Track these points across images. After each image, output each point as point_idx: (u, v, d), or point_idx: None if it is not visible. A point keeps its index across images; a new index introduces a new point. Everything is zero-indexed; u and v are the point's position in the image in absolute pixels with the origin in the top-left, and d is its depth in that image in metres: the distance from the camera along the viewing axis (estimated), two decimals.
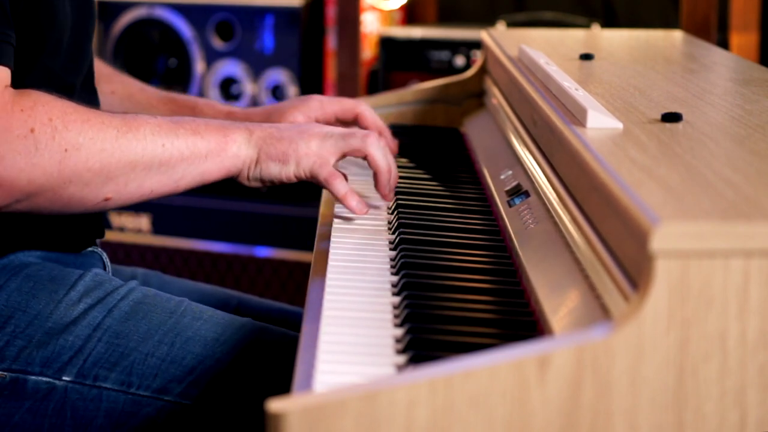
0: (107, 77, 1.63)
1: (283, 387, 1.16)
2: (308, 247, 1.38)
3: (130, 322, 1.28)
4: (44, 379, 1.25)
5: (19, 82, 1.23)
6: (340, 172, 1.33)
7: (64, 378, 1.25)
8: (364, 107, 1.58)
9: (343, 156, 1.34)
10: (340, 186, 1.32)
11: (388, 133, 1.60)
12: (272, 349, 1.30)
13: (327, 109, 1.56)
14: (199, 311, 1.32)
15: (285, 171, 1.31)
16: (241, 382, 1.27)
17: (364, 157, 1.34)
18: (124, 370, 1.26)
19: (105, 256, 1.45)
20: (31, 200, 1.19)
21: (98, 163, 1.20)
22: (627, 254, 0.92)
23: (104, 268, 1.44)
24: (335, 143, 1.32)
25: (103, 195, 1.22)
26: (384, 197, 1.37)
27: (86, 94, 1.42)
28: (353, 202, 1.33)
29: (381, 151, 1.34)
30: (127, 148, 1.22)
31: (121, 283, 1.33)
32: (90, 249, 1.43)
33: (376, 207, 1.40)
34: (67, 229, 1.38)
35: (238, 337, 1.29)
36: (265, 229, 2.93)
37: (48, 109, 1.18)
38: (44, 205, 1.21)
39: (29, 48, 1.27)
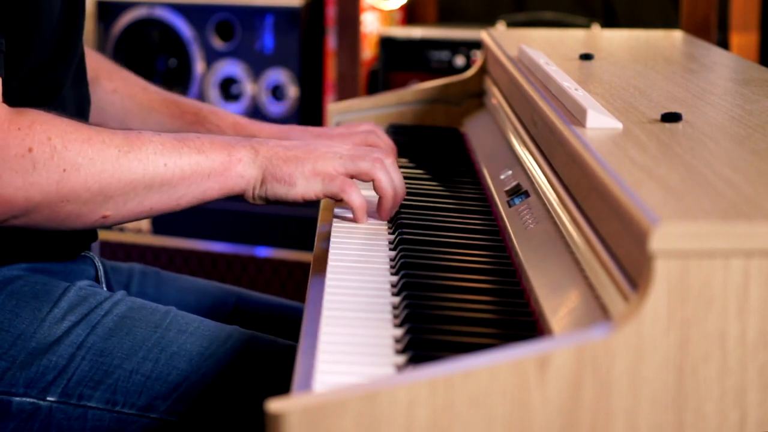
0: (108, 73, 1.60)
1: (273, 396, 1.15)
2: (308, 247, 1.37)
3: (114, 339, 1.26)
4: (28, 399, 1.24)
5: (5, 82, 1.21)
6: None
7: (48, 398, 1.24)
8: (373, 138, 1.54)
9: (351, 177, 1.31)
10: (355, 196, 1.30)
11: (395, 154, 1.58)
12: (261, 358, 1.28)
13: None
14: (185, 323, 1.30)
15: (292, 193, 1.29)
16: (228, 396, 1.25)
17: (372, 180, 1.32)
18: (108, 388, 1.24)
19: (98, 260, 1.43)
20: (28, 217, 1.18)
21: (97, 183, 1.19)
22: (627, 254, 0.92)
23: (96, 273, 1.42)
24: (344, 164, 1.30)
25: (102, 213, 1.21)
26: (382, 219, 1.35)
27: (76, 89, 1.40)
28: (361, 213, 1.31)
29: (388, 176, 1.32)
30: (128, 168, 1.20)
31: (106, 296, 1.31)
32: (83, 254, 1.41)
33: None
34: (59, 238, 1.37)
35: (224, 350, 1.27)
36: (265, 229, 2.93)
37: (47, 128, 1.17)
38: (41, 221, 1.19)
39: (16, 51, 1.25)
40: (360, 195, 1.31)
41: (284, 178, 1.28)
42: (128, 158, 1.20)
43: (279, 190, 1.28)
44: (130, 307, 1.30)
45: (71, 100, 1.36)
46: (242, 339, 1.29)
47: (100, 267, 1.43)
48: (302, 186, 1.28)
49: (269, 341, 1.31)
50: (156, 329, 1.28)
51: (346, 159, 1.31)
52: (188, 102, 1.61)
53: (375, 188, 1.33)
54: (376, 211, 1.35)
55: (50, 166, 1.16)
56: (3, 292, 1.28)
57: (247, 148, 1.28)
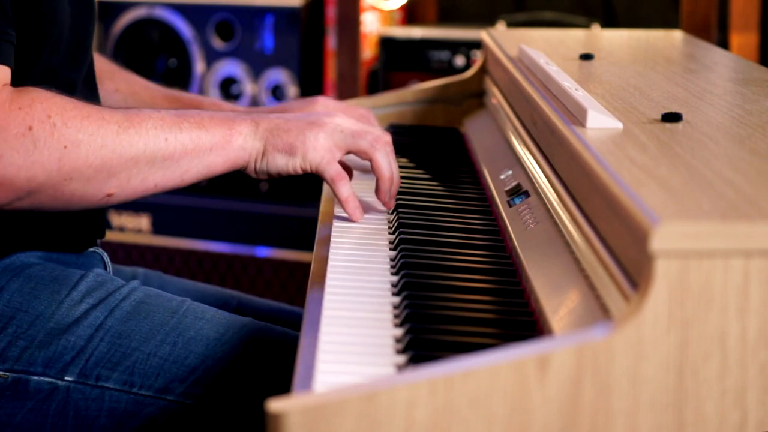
0: (110, 74, 1.62)
1: (285, 386, 1.16)
2: (308, 247, 1.38)
3: (132, 322, 1.28)
4: (46, 379, 1.25)
5: (20, 81, 1.23)
6: (345, 172, 1.33)
7: (66, 378, 1.25)
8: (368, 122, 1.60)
9: (349, 153, 1.33)
10: (344, 189, 1.32)
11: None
12: (274, 348, 1.30)
13: None
14: (201, 311, 1.32)
15: (291, 163, 1.30)
16: (242, 382, 1.27)
17: (369, 160, 1.34)
18: (126, 369, 1.26)
19: (106, 256, 1.45)
20: (33, 197, 1.19)
21: (99, 159, 1.19)
22: (627, 254, 0.92)
23: (105, 269, 1.44)
24: (344, 139, 1.31)
25: (106, 191, 1.22)
26: (384, 204, 1.37)
27: (87, 91, 1.42)
28: (351, 206, 1.33)
29: (386, 158, 1.33)
30: (129, 143, 1.21)
31: (123, 283, 1.33)
32: (91, 249, 1.43)
33: (377, 210, 1.40)
34: (68, 229, 1.38)
35: (239, 337, 1.29)
36: (265, 229, 2.93)
37: (47, 106, 1.18)
38: (46, 202, 1.20)
39: (31, 46, 1.27)
40: (349, 189, 1.32)
41: (285, 148, 1.29)
42: (129, 133, 1.21)
43: (279, 161, 1.29)
44: (147, 294, 1.32)
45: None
46: (257, 328, 1.31)
47: (109, 263, 1.45)
48: (301, 156, 1.30)
49: (282, 332, 1.33)
50: (173, 314, 1.30)
51: (347, 134, 1.32)
52: (189, 96, 1.63)
53: (373, 168, 1.34)
54: (374, 195, 1.37)
55: (51, 143, 1.17)
56: (21, 275, 1.29)
57: (248, 121, 1.30)
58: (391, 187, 1.36)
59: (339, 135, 1.31)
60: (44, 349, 1.25)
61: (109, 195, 1.22)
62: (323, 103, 1.58)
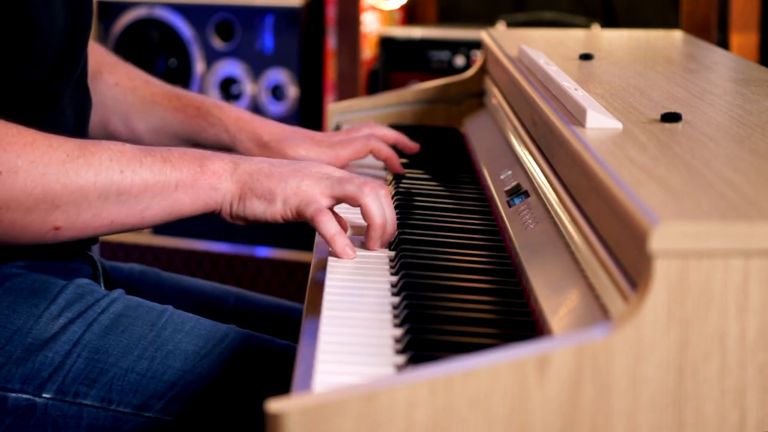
0: (111, 67, 1.58)
1: (269, 396, 1.15)
2: (308, 247, 1.35)
3: (110, 337, 1.24)
4: (24, 396, 1.22)
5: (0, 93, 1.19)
6: (332, 212, 1.23)
7: (44, 395, 1.22)
8: (374, 143, 1.54)
9: (338, 201, 1.23)
10: (328, 225, 1.20)
11: (405, 140, 1.61)
12: (257, 358, 1.27)
13: (341, 156, 1.51)
14: (181, 322, 1.28)
15: (270, 210, 1.21)
16: (224, 395, 1.24)
17: (359, 207, 1.23)
18: (104, 386, 1.23)
19: (96, 259, 1.41)
20: None
21: (39, 187, 1.12)
22: (626, 254, 0.92)
23: (95, 272, 1.40)
24: (330, 185, 1.22)
25: (52, 223, 1.14)
26: (369, 249, 1.24)
27: (76, 96, 1.37)
28: (339, 244, 1.21)
29: (377, 203, 1.22)
30: (75, 173, 1.13)
31: (103, 294, 1.29)
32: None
33: None
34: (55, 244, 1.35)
35: (220, 349, 1.26)
36: (265, 229, 2.93)
37: None
38: None
39: (10, 63, 1.22)
40: (334, 224, 1.21)
41: (264, 194, 1.21)
42: (77, 163, 1.14)
43: (257, 208, 1.22)
44: (127, 306, 1.28)
45: (70, 108, 1.35)
46: (238, 338, 1.28)
47: (99, 266, 1.42)
48: (281, 204, 1.22)
49: (266, 340, 1.30)
50: (152, 328, 1.26)
51: (333, 181, 1.22)
52: (191, 95, 1.58)
53: (363, 215, 1.23)
54: (364, 241, 1.25)
55: None
56: (1, 288, 1.26)
57: (226, 161, 1.22)
58: (384, 234, 1.24)
59: (325, 182, 1.22)
60: (21, 366, 1.22)
61: (56, 229, 1.14)
62: (329, 143, 1.52)
